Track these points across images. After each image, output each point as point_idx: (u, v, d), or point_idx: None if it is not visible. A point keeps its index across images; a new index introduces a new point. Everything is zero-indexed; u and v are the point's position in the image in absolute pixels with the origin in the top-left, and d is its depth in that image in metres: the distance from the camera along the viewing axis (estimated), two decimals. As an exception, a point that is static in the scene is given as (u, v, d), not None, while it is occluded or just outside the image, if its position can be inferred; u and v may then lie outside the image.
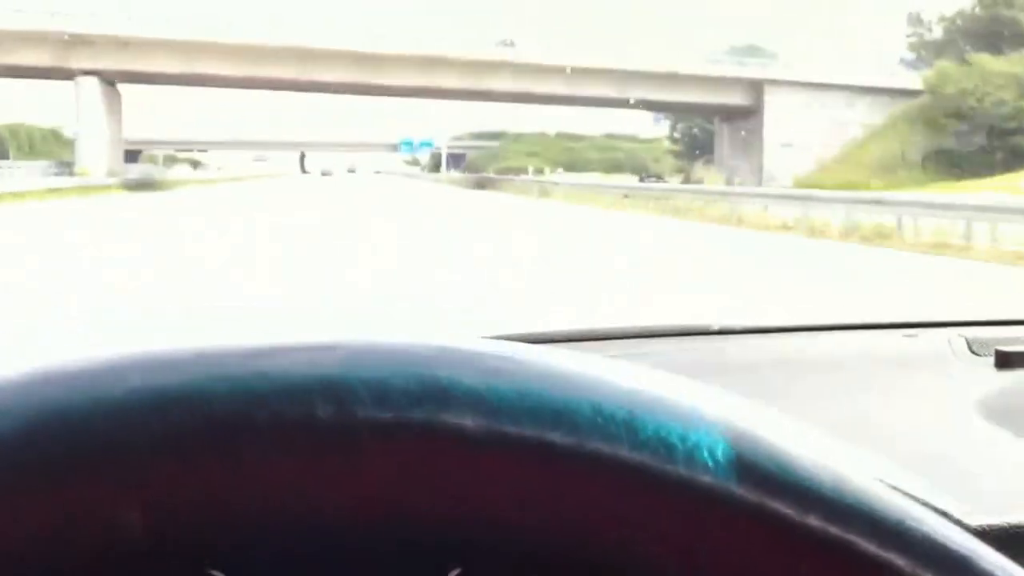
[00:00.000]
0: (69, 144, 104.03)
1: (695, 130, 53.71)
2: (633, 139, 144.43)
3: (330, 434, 0.34)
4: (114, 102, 41.64)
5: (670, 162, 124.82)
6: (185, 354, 0.38)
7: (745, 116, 44.72)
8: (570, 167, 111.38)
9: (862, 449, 0.50)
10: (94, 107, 39.36)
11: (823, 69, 44.37)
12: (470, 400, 0.36)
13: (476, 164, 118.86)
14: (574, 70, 41.49)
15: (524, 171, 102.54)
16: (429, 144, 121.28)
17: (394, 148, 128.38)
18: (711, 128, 52.09)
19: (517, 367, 0.38)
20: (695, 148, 54.38)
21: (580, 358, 0.50)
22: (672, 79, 42.41)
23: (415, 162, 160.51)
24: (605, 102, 44.93)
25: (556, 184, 34.62)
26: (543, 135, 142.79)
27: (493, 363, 0.38)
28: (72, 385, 0.36)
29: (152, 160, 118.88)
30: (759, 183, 42.28)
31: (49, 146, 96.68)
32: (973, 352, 1.19)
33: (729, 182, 42.70)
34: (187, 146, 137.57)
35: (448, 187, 50.33)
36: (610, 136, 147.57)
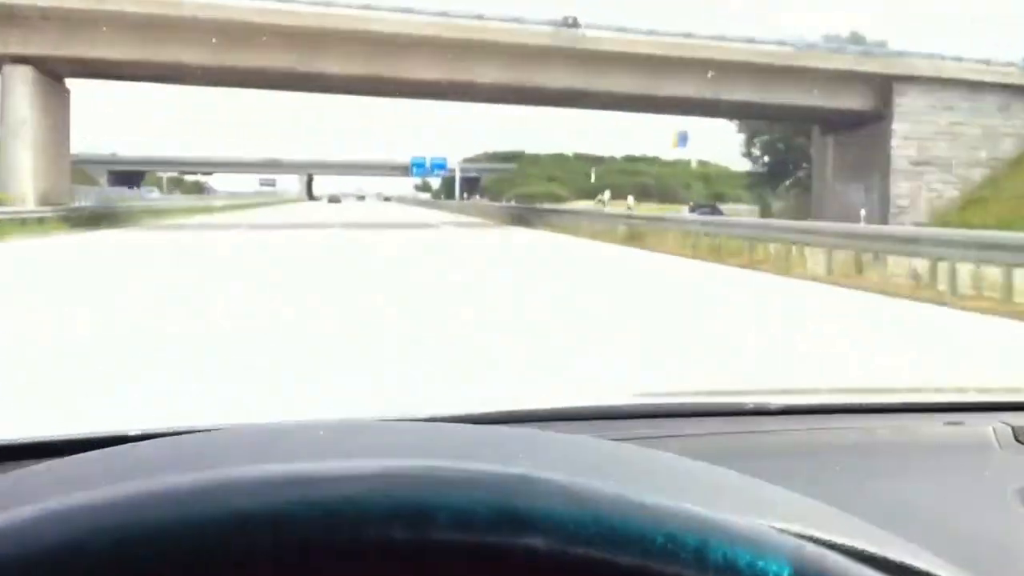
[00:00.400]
0: (74, 166, 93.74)
1: (780, 145, 42.60)
2: (655, 161, 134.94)
3: (403, 555, 0.36)
4: (57, 101, 30.80)
5: (699, 188, 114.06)
6: (274, 478, 0.40)
7: (860, 125, 33.82)
8: (592, 193, 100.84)
9: (904, 541, 0.53)
10: (23, 107, 28.47)
11: (973, 63, 33.13)
12: (546, 527, 0.37)
13: (492, 189, 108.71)
14: (653, 60, 30.64)
15: (549, 198, 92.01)
16: (442, 166, 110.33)
17: (404, 171, 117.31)
18: (801, 143, 41.11)
19: (594, 494, 0.39)
20: (775, 170, 43.29)
21: (656, 471, 0.58)
22: (773, 74, 31.56)
23: (426, 187, 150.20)
24: (685, 105, 34.12)
25: (660, 221, 23.11)
26: (561, 156, 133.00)
27: (572, 490, 0.39)
28: (166, 506, 0.38)
29: (155, 183, 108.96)
30: (884, 217, 31.44)
31: None
32: (1019, 441, 1.13)
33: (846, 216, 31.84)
34: (191, 167, 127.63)
35: (480, 221, 39.34)
36: (631, 158, 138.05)
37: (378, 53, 29.40)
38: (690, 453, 0.75)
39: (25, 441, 1.00)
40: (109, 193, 52.88)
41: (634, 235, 22.09)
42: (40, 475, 0.58)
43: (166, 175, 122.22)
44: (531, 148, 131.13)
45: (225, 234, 24.86)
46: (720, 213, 43.55)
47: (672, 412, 1.24)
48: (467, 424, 0.87)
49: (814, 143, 38.06)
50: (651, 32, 31.11)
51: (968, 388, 1.93)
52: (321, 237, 22.32)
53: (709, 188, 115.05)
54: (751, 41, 31.99)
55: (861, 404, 1.34)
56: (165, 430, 0.98)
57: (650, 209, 47.80)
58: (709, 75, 31.47)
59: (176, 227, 31.07)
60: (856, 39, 38.47)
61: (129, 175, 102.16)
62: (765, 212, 41.75)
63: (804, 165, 41.91)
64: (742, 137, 44.77)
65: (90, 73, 30.85)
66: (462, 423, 0.98)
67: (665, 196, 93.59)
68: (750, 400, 1.27)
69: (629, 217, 27.00)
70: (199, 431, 0.86)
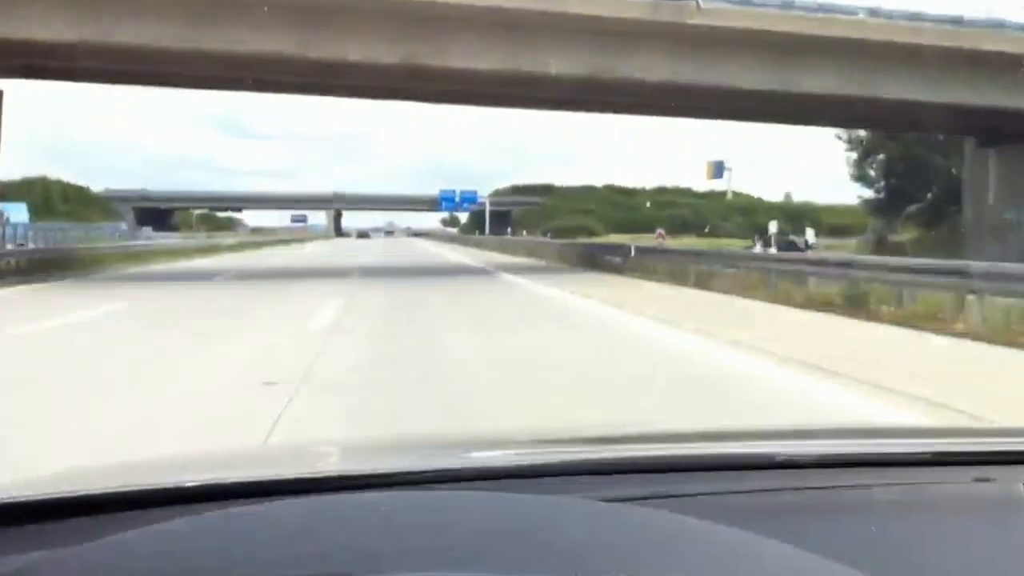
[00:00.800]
0: (99, 203, 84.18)
1: (900, 166, 32.58)
2: (687, 193, 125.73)
3: None
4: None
5: (739, 221, 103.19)
6: None
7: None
8: (625, 226, 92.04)
9: None
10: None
11: None
12: None
13: (523, 222, 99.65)
14: (786, 43, 21.11)
15: (584, 231, 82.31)
16: (472, 199, 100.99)
17: (432, 204, 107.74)
18: (935, 161, 31.16)
19: None
20: (896, 195, 33.22)
21: (711, 549, 0.62)
22: (941, 63, 21.84)
23: (453, 221, 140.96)
24: (818, 107, 24.30)
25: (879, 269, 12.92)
26: (591, 189, 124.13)
27: None
28: None
29: (186, 222, 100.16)
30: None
31: (72, 205, 76.88)
32: None
33: None
34: (221, 203, 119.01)
35: (542, 265, 29.30)
36: (662, 190, 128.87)
37: (411, 32, 19.92)
38: (722, 516, 0.75)
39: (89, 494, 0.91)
40: (76, 231, 43.59)
41: (853, 297, 12.13)
42: (147, 542, 0.62)
43: (196, 211, 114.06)
44: (555, 181, 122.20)
45: (179, 295, 15.41)
46: (799, 249, 33.92)
47: (689, 466, 1.11)
48: (503, 490, 0.88)
49: (968, 159, 28.19)
50: (786, 5, 21.35)
51: (996, 431, 1.83)
52: (330, 303, 12.69)
53: (749, 220, 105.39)
54: (916, 18, 22.21)
55: (894, 454, 1.22)
56: (218, 481, 0.94)
57: (700, 245, 37.93)
58: (850, 59, 21.82)
59: (135, 279, 21.56)
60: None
61: (157, 212, 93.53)
62: (883, 247, 31.82)
63: (934, 189, 31.96)
64: (845, 156, 34.73)
65: (20, 68, 21.37)
66: (494, 480, 0.99)
67: (703, 229, 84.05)
68: (774, 449, 1.16)
69: (819, 263, 15.99)
70: (264, 484, 0.93)
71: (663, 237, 38.23)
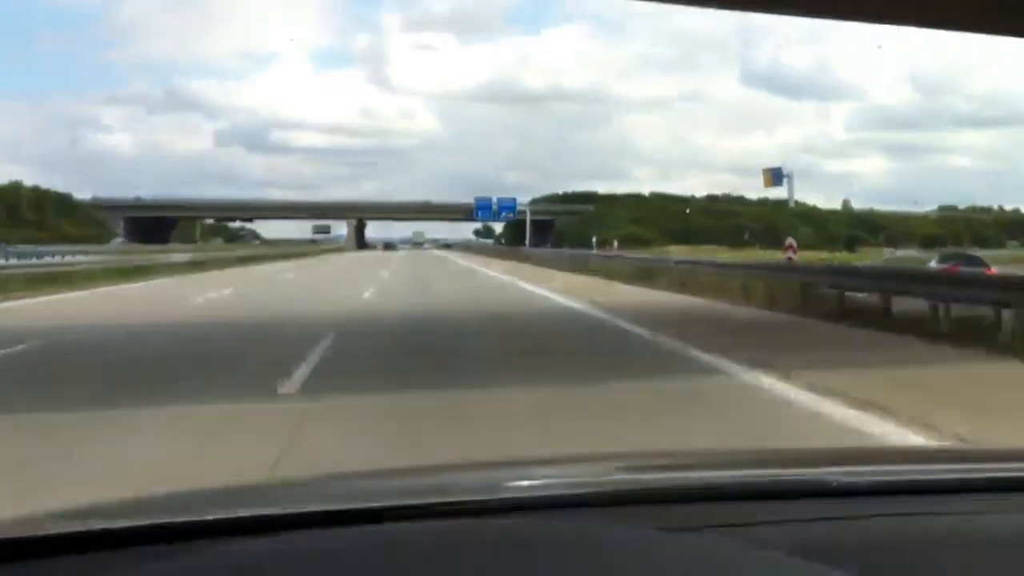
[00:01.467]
0: (82, 211, 72.52)
1: None
2: (739, 201, 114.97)
3: None
4: None
5: (807, 231, 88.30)
6: None
7: None
8: (680, 236, 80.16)
9: None
10: None
11: None
12: None
13: (568, 232, 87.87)
14: None
15: (634, 241, 71.31)
16: (511, 207, 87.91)
17: (467, 213, 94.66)
18: None
19: None
20: None
21: None
22: None
23: (487, 232, 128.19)
24: None
25: None
26: (639, 196, 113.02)
27: None
28: None
29: (190, 232, 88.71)
30: None
31: (44, 215, 66.39)
32: None
33: None
34: (228, 212, 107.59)
35: (710, 311, 14.85)
36: (713, 198, 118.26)
37: None
38: (778, 545, 0.73)
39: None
40: None
41: None
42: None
43: (200, 223, 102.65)
44: (597, 190, 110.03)
45: None
46: (982, 264, 22.37)
47: (739, 494, 1.07)
48: (554, 520, 0.87)
49: None
50: None
51: None
52: None
53: (818, 230, 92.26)
54: None
55: (950, 480, 1.17)
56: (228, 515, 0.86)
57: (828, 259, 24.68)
58: None
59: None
60: None
61: (152, 222, 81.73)
62: None
63: None
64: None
65: None
66: (543, 509, 0.95)
67: (769, 240, 72.49)
68: (829, 476, 1.12)
69: None
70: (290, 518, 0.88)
71: (794, 250, 24.36)
